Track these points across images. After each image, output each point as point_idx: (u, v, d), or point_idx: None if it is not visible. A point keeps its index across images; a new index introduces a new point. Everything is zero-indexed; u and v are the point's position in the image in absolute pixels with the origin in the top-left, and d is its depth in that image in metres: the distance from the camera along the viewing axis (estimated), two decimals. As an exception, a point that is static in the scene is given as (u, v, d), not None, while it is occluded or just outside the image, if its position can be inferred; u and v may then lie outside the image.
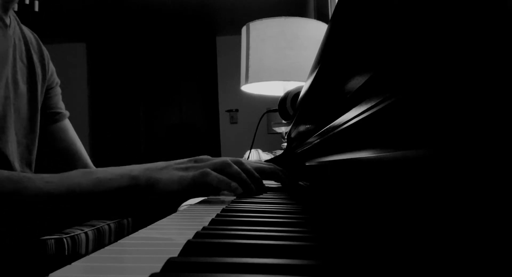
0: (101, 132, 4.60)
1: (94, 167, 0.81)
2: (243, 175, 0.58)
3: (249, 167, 0.60)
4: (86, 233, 1.20)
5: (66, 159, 0.78)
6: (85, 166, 0.80)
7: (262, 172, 0.64)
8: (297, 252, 0.24)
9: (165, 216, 0.42)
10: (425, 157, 0.18)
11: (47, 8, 3.43)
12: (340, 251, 0.23)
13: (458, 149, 0.15)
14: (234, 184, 0.55)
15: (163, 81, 4.59)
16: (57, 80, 0.80)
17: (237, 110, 4.42)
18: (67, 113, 0.80)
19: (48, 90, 0.76)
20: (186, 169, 0.55)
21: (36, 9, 2.61)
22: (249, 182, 0.58)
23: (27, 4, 2.58)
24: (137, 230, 0.32)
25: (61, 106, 0.80)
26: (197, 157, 0.59)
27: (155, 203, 0.63)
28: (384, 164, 0.23)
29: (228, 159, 0.58)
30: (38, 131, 0.72)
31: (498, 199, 0.12)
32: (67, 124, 0.80)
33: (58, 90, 0.81)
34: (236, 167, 0.57)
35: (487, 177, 0.13)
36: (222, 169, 0.56)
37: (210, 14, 3.94)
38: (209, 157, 0.59)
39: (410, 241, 0.20)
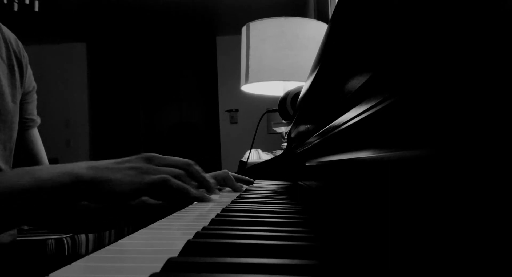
0: (101, 132, 4.60)
1: None
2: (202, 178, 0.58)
3: (198, 168, 0.59)
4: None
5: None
6: None
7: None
8: (297, 252, 0.24)
9: (165, 216, 0.42)
10: (424, 157, 0.18)
11: (47, 8, 3.43)
12: (340, 251, 0.23)
13: (457, 149, 0.15)
14: (194, 192, 0.54)
15: (163, 81, 4.59)
16: (33, 84, 0.78)
17: (237, 110, 4.42)
18: (39, 121, 0.79)
19: (26, 94, 0.75)
20: (141, 169, 0.53)
21: (36, 9, 2.61)
22: (206, 180, 0.59)
23: (27, 4, 2.58)
24: (137, 230, 0.32)
25: (35, 113, 0.79)
26: (145, 155, 0.56)
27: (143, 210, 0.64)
28: (384, 164, 0.23)
29: (185, 161, 0.57)
30: (16, 128, 0.71)
31: (495, 199, 0.12)
32: (37, 131, 0.78)
33: (35, 96, 0.78)
34: (200, 172, 0.57)
35: (485, 177, 0.13)
36: (179, 176, 0.55)
37: (210, 14, 3.94)
38: (159, 156, 0.57)
39: (409, 241, 0.20)
